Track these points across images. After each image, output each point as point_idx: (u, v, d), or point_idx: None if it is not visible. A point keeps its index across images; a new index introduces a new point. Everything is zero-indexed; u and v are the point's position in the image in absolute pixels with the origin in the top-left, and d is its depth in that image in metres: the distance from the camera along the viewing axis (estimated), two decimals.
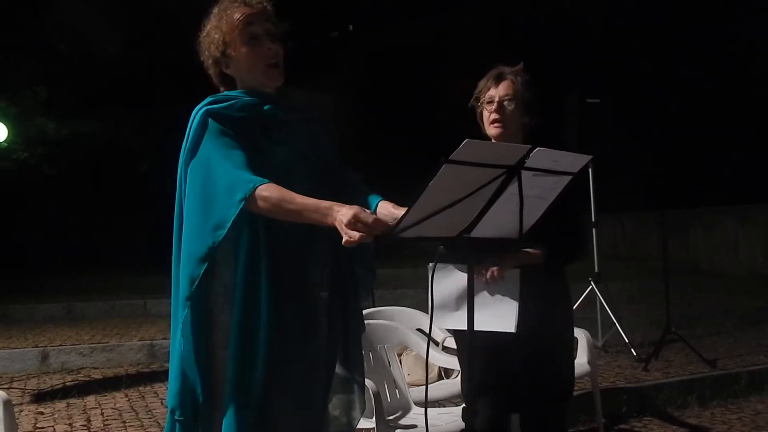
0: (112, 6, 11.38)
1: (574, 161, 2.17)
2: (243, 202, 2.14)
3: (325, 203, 2.13)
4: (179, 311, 2.28)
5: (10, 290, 9.24)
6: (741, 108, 11.75)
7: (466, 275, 2.67)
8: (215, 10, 2.39)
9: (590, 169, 6.30)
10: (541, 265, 2.82)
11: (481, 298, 2.64)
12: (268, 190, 2.15)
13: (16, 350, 6.40)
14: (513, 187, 2.06)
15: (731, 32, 12.03)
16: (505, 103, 2.98)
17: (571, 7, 13.03)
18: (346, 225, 2.03)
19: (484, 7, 13.06)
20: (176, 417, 2.29)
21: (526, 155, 2.01)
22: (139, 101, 12.05)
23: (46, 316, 8.25)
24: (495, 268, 2.74)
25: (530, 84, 3.04)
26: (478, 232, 2.13)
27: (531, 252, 2.77)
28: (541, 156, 2.04)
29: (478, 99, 3.04)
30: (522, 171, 2.04)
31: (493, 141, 3.01)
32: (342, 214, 2.06)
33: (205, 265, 2.20)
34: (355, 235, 2.01)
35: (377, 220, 2.04)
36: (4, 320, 8.00)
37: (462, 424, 2.35)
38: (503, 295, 2.69)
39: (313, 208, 2.13)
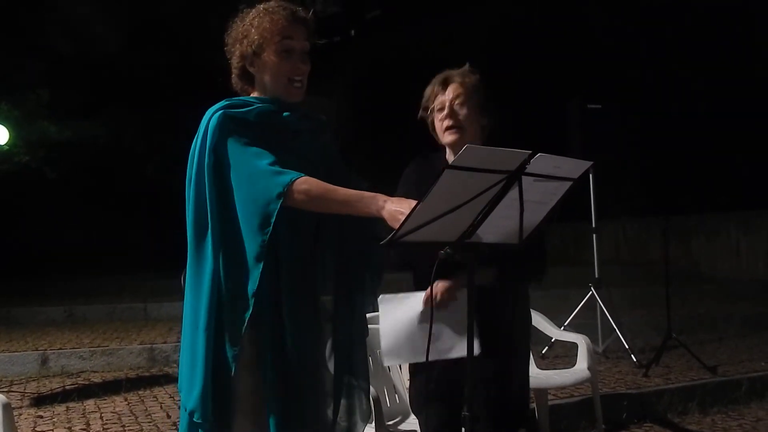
0: (114, 8, 11.40)
1: (574, 167, 2.17)
2: (282, 195, 2.16)
3: (369, 192, 2.18)
4: (201, 314, 2.27)
5: (11, 293, 9.25)
6: (744, 113, 11.75)
7: (419, 302, 2.61)
8: (260, 7, 2.39)
9: (591, 175, 6.30)
10: (494, 285, 2.54)
11: (435, 327, 2.40)
12: (308, 183, 2.19)
13: (16, 353, 6.39)
14: (514, 193, 2.05)
15: (734, 37, 12.03)
16: (456, 106, 2.79)
17: (573, 12, 13.04)
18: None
19: (485, 11, 13.07)
20: (195, 419, 2.28)
21: (527, 161, 2.01)
22: (141, 104, 12.07)
23: (46, 319, 8.25)
24: (443, 289, 2.58)
25: (481, 84, 2.86)
26: (478, 237, 2.12)
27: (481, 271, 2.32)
28: (542, 161, 2.04)
29: (427, 108, 2.85)
30: (522, 176, 2.03)
31: (448, 150, 2.86)
32: (394, 201, 2.12)
33: (262, 263, 2.20)
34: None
35: None
36: (5, 323, 8.00)
37: (462, 430, 2.33)
38: (457, 318, 2.49)
39: (357, 197, 2.18)
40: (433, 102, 2.84)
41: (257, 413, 2.30)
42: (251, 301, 2.23)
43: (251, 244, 2.21)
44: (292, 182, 2.17)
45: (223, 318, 2.27)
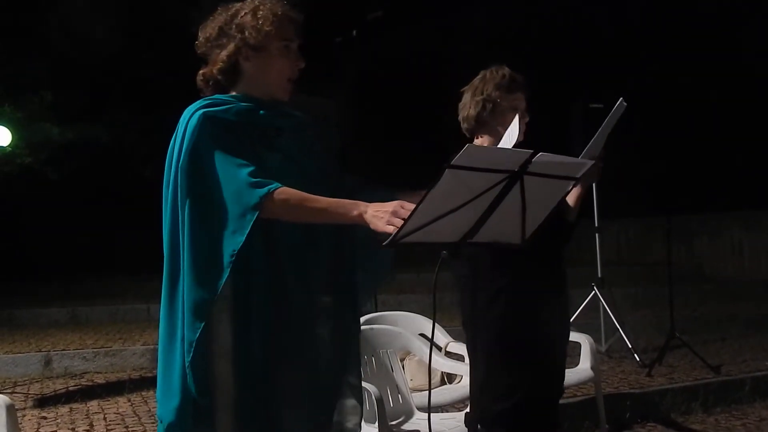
0: (117, 10, 11.41)
1: (576, 166, 2.17)
2: (258, 207, 2.10)
3: (348, 200, 2.15)
4: (178, 322, 2.20)
5: (14, 294, 9.26)
6: (746, 113, 11.73)
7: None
8: (255, 2, 2.33)
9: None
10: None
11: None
12: (285, 193, 2.14)
13: (19, 355, 6.41)
14: (515, 192, 2.05)
15: (736, 37, 12.02)
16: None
17: (576, 12, 13.03)
18: (392, 212, 2.03)
19: (488, 12, 13.06)
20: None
21: (529, 160, 2.00)
22: (144, 106, 12.08)
23: (49, 320, 8.26)
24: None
25: None
26: (480, 237, 2.12)
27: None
28: (543, 161, 2.03)
29: (500, 95, 2.97)
30: (524, 176, 2.03)
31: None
32: (375, 204, 2.08)
33: (228, 271, 2.13)
34: (397, 222, 1.99)
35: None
36: (8, 324, 8.02)
37: (465, 430, 2.34)
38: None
39: (337, 204, 2.15)
40: (513, 99, 2.97)
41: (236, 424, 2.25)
42: (204, 313, 2.15)
43: (221, 254, 2.14)
44: (269, 193, 2.11)
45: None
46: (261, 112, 2.32)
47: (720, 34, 12.12)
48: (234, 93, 2.35)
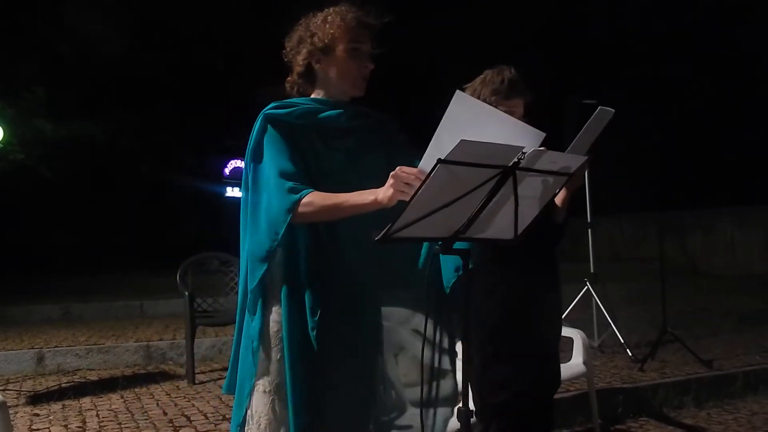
0: (113, 8, 11.39)
1: (570, 162, 2.17)
2: (291, 212, 2.23)
3: (366, 190, 2.22)
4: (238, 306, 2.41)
5: (6, 291, 9.24)
6: (739, 110, 11.77)
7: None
8: (330, 9, 2.45)
9: (587, 171, 6.30)
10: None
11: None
12: (311, 197, 2.25)
13: (11, 351, 6.39)
14: (508, 188, 2.05)
15: (730, 35, 12.05)
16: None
17: (570, 9, 13.05)
18: (393, 186, 2.09)
19: (482, 9, 13.06)
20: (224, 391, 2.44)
21: (521, 156, 2.00)
22: (137, 103, 12.06)
23: (42, 317, 8.25)
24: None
25: None
26: (472, 232, 2.12)
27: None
28: (536, 156, 2.03)
29: (496, 100, 2.90)
30: (517, 171, 2.03)
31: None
32: (384, 186, 2.15)
33: (266, 265, 2.28)
34: (405, 186, 2.07)
35: (419, 170, 2.08)
36: (1, 321, 8.00)
37: (458, 425, 2.34)
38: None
39: (356, 194, 2.22)
40: (510, 100, 2.91)
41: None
42: (250, 294, 2.33)
43: (259, 247, 2.29)
44: (299, 201, 2.23)
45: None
46: (327, 113, 2.43)
47: (715, 32, 12.15)
48: (313, 95, 2.48)
